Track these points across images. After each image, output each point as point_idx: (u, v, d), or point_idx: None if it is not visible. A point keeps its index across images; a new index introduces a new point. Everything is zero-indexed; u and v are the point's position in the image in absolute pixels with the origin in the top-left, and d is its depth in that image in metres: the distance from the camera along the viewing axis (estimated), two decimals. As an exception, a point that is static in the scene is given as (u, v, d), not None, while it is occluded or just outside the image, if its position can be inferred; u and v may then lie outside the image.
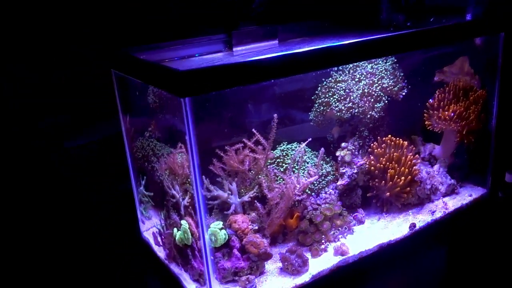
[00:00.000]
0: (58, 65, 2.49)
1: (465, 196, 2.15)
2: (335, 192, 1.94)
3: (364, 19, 2.34)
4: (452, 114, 1.91)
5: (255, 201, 1.82)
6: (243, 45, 1.94)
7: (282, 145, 1.99)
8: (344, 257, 1.81)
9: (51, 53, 2.45)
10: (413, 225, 1.95)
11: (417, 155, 1.99)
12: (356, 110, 1.91)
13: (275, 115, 1.72)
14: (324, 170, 1.96)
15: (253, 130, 1.72)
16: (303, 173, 1.84)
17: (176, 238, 1.74)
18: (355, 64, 1.95)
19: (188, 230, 1.68)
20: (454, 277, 1.80)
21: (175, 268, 1.85)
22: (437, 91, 2.05)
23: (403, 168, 1.93)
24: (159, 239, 2.02)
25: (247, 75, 1.38)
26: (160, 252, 1.98)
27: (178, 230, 1.75)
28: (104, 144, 3.04)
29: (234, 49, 1.90)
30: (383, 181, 1.94)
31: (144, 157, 2.10)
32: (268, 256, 1.73)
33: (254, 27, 2.05)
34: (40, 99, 2.54)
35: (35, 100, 2.52)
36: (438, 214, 2.03)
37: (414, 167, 1.96)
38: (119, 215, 2.38)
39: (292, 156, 1.86)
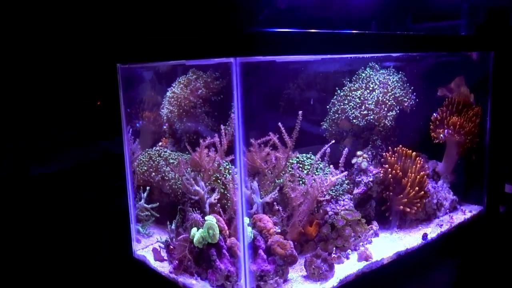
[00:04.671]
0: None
1: (466, 212, 2.19)
2: (351, 201, 1.91)
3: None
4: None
5: (275, 203, 1.75)
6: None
7: (296, 158, 1.94)
8: (368, 262, 1.74)
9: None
10: (425, 235, 1.94)
11: (426, 166, 2.03)
12: (371, 117, 1.94)
13: (300, 112, 1.70)
14: (339, 179, 1.93)
15: (279, 124, 1.68)
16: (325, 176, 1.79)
17: (195, 239, 1.60)
18: (367, 75, 2.01)
19: (216, 225, 1.55)
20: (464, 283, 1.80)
21: (186, 280, 1.68)
22: (442, 106, 2.15)
23: (415, 176, 1.95)
24: (163, 253, 1.85)
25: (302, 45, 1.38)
26: (163, 268, 1.81)
27: (198, 229, 1.61)
28: (75, 172, 2.81)
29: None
30: (398, 193, 1.94)
31: (152, 168, 1.97)
32: (294, 259, 1.62)
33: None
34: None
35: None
36: (445, 227, 2.04)
37: (424, 177, 1.98)
38: (106, 237, 2.16)
39: (312, 162, 1.83)
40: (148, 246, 1.98)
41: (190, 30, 1.42)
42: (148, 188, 2.00)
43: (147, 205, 2.02)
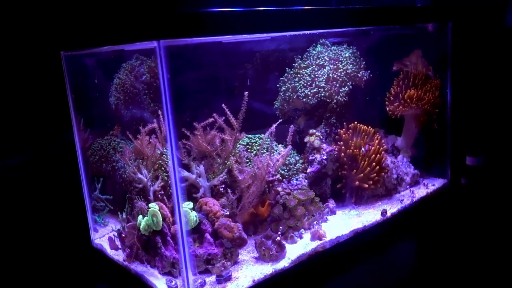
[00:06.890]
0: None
1: (429, 186, 2.17)
2: (305, 180, 1.88)
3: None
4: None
5: (223, 186, 1.72)
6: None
7: (245, 138, 1.90)
8: (321, 241, 1.72)
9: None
10: (384, 211, 1.92)
11: (383, 141, 2.00)
12: (322, 94, 1.90)
13: (246, 92, 1.66)
14: (292, 158, 1.90)
15: (223, 106, 1.64)
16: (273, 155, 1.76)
17: (141, 226, 1.57)
18: (318, 51, 1.97)
19: (158, 213, 1.53)
20: (425, 260, 1.76)
21: (137, 267, 1.66)
22: (397, 79, 2.11)
23: (372, 155, 1.92)
24: (117, 241, 1.84)
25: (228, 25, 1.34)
26: (118, 256, 1.79)
27: (144, 217, 1.58)
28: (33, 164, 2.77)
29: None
30: (354, 170, 1.90)
31: (103, 157, 1.94)
32: (242, 242, 1.60)
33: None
34: None
35: None
36: (406, 202, 2.02)
37: (382, 153, 1.95)
38: (66, 226, 2.16)
39: (260, 142, 1.79)
40: (105, 235, 1.96)
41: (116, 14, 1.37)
42: (102, 179, 1.99)
43: (101, 196, 2.00)
